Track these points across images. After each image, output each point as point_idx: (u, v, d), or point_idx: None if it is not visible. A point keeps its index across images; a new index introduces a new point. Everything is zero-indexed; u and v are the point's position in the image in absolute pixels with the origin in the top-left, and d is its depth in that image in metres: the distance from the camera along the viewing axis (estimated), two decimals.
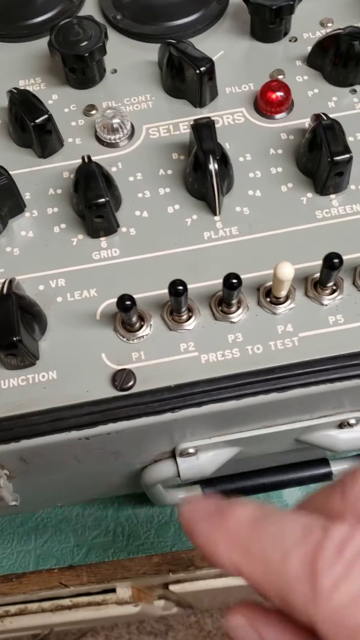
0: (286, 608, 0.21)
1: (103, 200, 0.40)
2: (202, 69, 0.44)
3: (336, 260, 0.36)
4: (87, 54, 0.45)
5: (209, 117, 0.42)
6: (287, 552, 0.21)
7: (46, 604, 0.62)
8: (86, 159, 0.42)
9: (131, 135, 0.46)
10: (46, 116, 0.43)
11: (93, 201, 0.40)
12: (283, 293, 0.39)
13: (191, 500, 0.26)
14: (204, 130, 0.42)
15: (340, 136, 0.41)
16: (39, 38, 0.52)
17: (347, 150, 0.40)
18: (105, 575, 0.57)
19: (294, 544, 0.21)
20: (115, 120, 0.45)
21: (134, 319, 0.38)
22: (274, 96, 0.46)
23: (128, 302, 0.36)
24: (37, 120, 0.43)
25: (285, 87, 0.46)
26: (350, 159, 0.40)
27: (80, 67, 0.47)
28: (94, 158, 0.46)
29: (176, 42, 0.46)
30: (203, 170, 0.41)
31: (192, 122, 0.42)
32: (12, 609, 0.61)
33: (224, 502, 0.24)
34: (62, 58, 0.46)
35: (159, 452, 0.44)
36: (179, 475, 0.44)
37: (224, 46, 0.50)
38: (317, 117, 0.42)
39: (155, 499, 0.50)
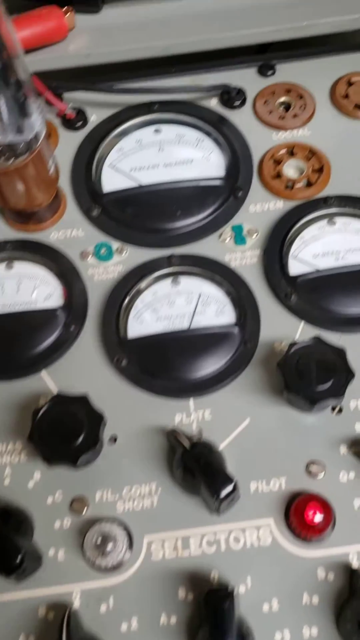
0: None
1: None
2: (222, 495, 0.35)
3: None
4: None
5: (226, 589, 0.32)
6: None
7: None
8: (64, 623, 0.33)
9: (129, 548, 0.37)
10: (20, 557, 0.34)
11: None
12: None
13: None
14: (219, 608, 0.32)
15: None
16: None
17: None
18: None
19: None
20: (109, 547, 0.36)
21: None
22: (310, 517, 0.36)
23: None
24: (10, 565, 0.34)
25: (324, 506, 0.36)
26: None
27: None
28: None
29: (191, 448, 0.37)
30: None
31: (205, 595, 0.33)
32: None
33: None
34: None
35: None
36: None
37: (250, 411, 0.41)
38: None
39: None
